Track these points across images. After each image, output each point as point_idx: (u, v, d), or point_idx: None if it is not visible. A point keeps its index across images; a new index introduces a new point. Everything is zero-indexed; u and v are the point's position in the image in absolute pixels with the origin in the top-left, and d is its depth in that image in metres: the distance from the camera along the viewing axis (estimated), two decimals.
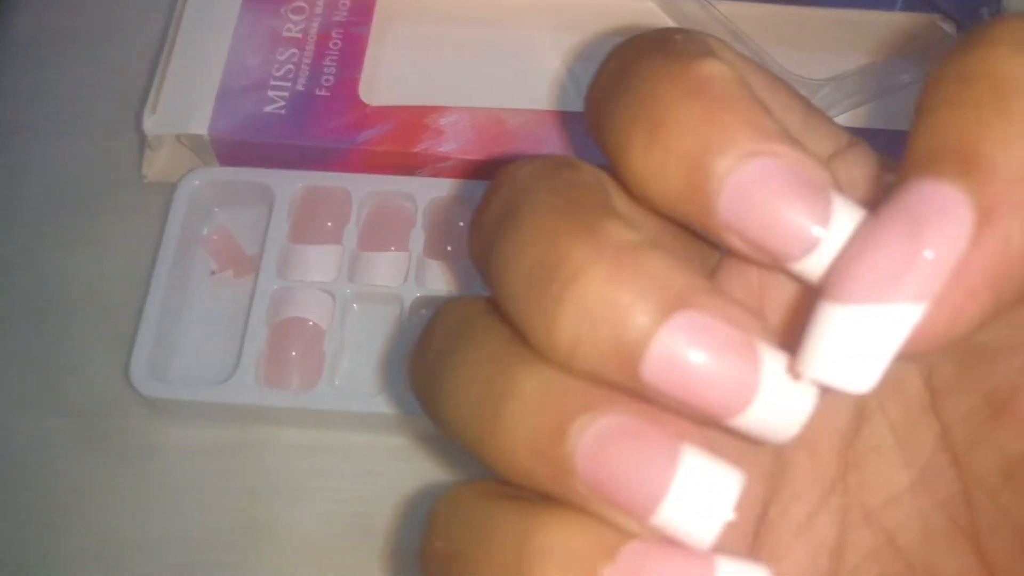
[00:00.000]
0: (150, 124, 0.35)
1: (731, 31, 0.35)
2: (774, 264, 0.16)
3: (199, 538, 0.33)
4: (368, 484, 0.33)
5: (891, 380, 0.17)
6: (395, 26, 0.38)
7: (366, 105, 0.35)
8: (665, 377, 0.16)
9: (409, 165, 0.35)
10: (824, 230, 0.16)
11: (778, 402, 0.16)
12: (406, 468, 0.33)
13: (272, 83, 0.36)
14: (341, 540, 0.32)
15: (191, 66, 0.36)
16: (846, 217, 0.16)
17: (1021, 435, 0.17)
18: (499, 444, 0.17)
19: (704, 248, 0.20)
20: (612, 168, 0.18)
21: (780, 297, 0.19)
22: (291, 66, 0.36)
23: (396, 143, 0.35)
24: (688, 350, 0.15)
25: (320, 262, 0.34)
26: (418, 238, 0.34)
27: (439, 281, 0.34)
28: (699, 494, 0.16)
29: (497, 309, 0.18)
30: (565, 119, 0.35)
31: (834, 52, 0.36)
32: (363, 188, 0.35)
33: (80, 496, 0.33)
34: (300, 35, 0.36)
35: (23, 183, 0.38)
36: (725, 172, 0.16)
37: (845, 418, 0.19)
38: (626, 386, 0.16)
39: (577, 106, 0.35)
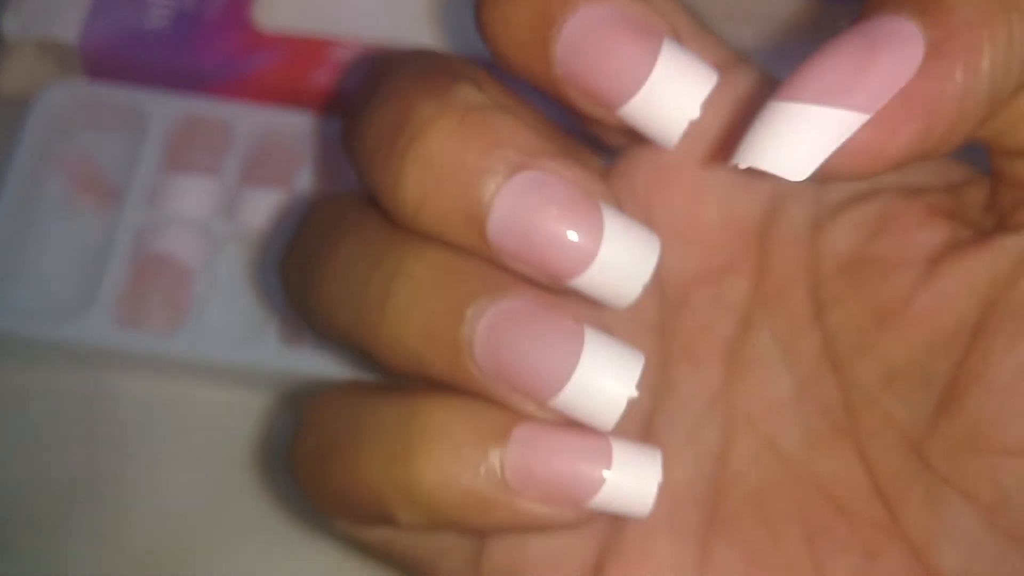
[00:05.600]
0: (11, 24, 0.31)
1: None
2: (607, 115, 0.17)
3: (32, 493, 0.29)
4: (232, 445, 0.30)
5: (773, 293, 0.19)
6: None
7: (258, 30, 0.32)
8: (509, 236, 0.16)
9: (297, 100, 0.32)
10: (645, 78, 0.16)
11: (620, 261, 0.16)
12: (277, 430, 0.30)
13: None
14: (197, 507, 0.29)
15: None
16: (676, 60, 0.16)
17: (903, 344, 0.18)
18: (388, 329, 0.17)
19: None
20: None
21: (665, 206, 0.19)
22: None
23: (289, 74, 0.32)
24: (529, 208, 0.16)
25: (194, 196, 0.31)
26: (305, 178, 0.32)
27: None
28: (604, 374, 0.16)
29: (365, 198, 0.18)
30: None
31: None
32: (248, 120, 0.32)
33: None
34: None
35: None
36: (562, 19, 0.16)
37: (729, 329, 0.19)
38: (473, 248, 0.16)
39: None
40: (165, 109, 0.32)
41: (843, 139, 0.15)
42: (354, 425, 0.17)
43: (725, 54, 0.19)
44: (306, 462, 0.18)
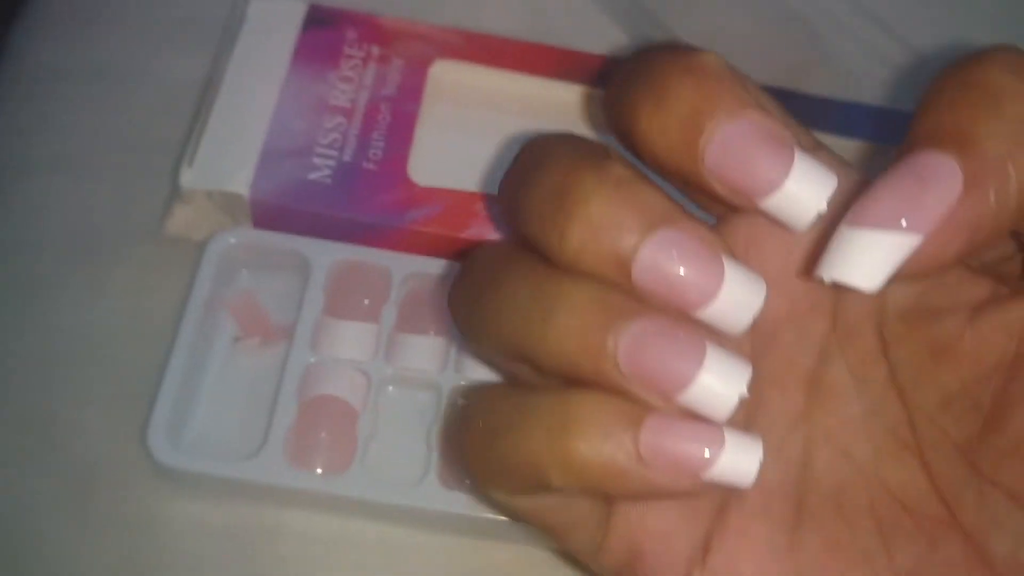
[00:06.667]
0: (187, 177, 0.34)
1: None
2: (748, 204, 0.21)
3: None
4: None
5: (847, 333, 0.23)
6: (444, 108, 0.37)
7: (415, 184, 0.34)
8: (650, 277, 0.21)
9: (453, 250, 0.34)
10: (784, 177, 0.21)
11: (735, 298, 0.21)
12: (438, 569, 0.32)
13: (318, 150, 0.34)
14: None
15: (234, 120, 0.35)
16: (804, 167, 0.21)
17: (955, 375, 0.22)
18: (550, 340, 0.21)
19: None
20: (620, 138, 0.23)
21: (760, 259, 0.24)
22: (338, 135, 0.35)
23: (444, 226, 0.34)
24: (667, 257, 0.21)
25: (355, 340, 0.33)
26: None
27: (478, 369, 0.33)
28: (721, 377, 0.21)
29: (520, 245, 0.23)
30: None
31: None
32: (405, 268, 0.34)
33: (73, 566, 0.31)
34: (348, 104, 0.36)
35: (36, 225, 0.36)
36: (711, 131, 0.21)
37: (810, 362, 0.24)
38: (620, 284, 0.21)
39: None
40: (327, 256, 0.34)
41: (903, 256, 0.20)
42: (519, 409, 0.22)
43: (811, 143, 0.24)
44: (476, 440, 0.23)
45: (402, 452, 0.32)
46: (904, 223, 0.20)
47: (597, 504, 0.24)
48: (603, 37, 0.41)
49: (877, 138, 0.38)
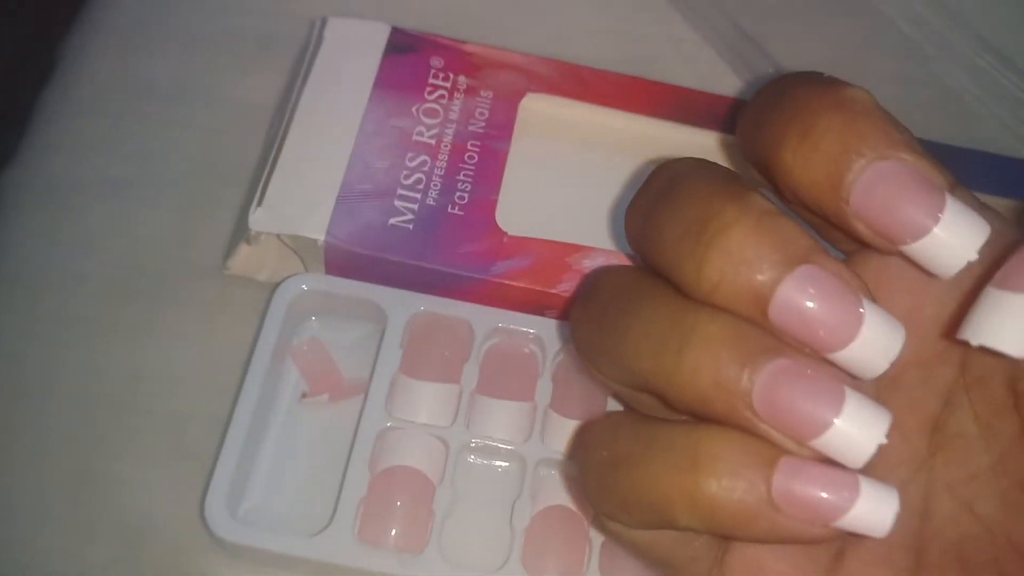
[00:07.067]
0: (256, 218, 0.31)
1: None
2: (891, 248, 0.21)
3: None
4: None
5: (976, 381, 0.22)
6: (537, 145, 0.34)
7: (504, 233, 0.31)
8: (788, 315, 0.20)
9: (541, 305, 0.31)
10: (935, 223, 0.20)
11: (873, 342, 0.20)
12: None
13: (400, 192, 0.32)
14: None
15: (308, 158, 0.32)
16: (956, 213, 0.20)
17: None
18: (683, 374, 0.20)
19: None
20: (758, 170, 0.22)
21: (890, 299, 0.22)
22: (421, 175, 0.32)
23: (534, 280, 0.31)
24: (807, 295, 0.20)
25: (433, 402, 0.30)
26: (545, 389, 0.31)
27: (566, 437, 0.30)
28: (860, 424, 0.20)
29: (650, 271, 0.22)
30: None
31: None
32: (489, 323, 0.31)
33: None
34: (433, 141, 0.33)
35: (86, 257, 0.34)
36: (859, 170, 0.20)
37: (934, 408, 0.23)
38: (756, 321, 0.20)
39: None
40: (405, 308, 0.31)
41: None
42: (645, 441, 0.21)
43: (979, 204, 0.22)
44: (597, 471, 0.22)
45: (482, 531, 0.30)
46: None
47: (713, 543, 0.23)
48: (706, 70, 0.38)
49: None
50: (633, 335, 0.22)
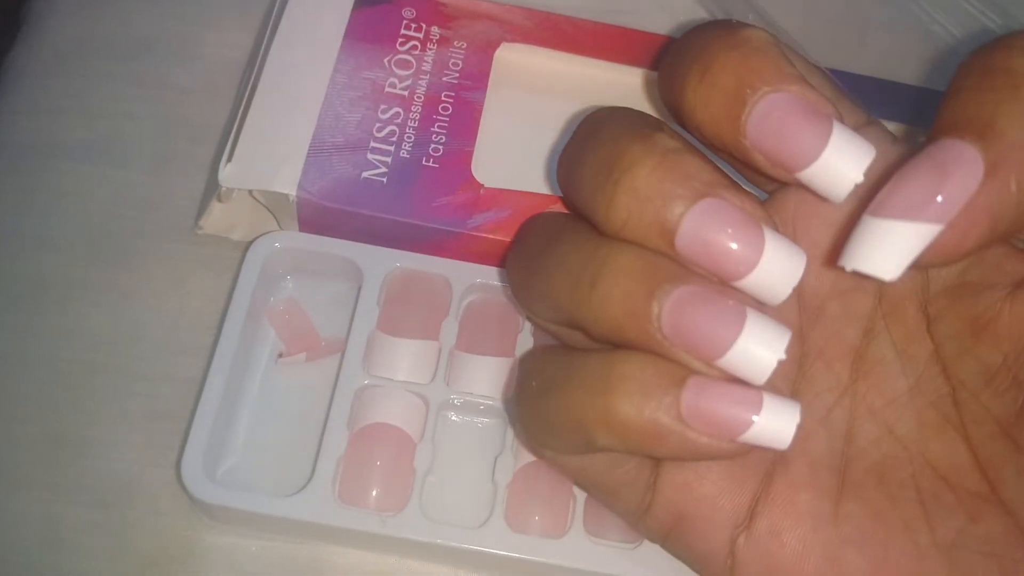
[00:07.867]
0: (226, 174, 0.30)
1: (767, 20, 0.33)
2: (788, 176, 0.22)
3: None
4: None
5: (891, 309, 0.24)
6: (512, 96, 0.34)
7: (480, 185, 0.31)
8: (693, 246, 0.21)
9: None
10: (822, 148, 0.21)
11: (775, 269, 0.21)
12: None
13: (373, 145, 0.31)
14: None
15: (278, 112, 0.31)
16: (841, 138, 0.21)
17: (996, 350, 0.22)
18: (597, 304, 0.21)
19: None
20: (671, 112, 0.23)
21: (808, 234, 0.24)
22: (394, 127, 0.31)
23: (512, 233, 0.30)
24: (710, 226, 0.21)
25: (412, 359, 0.30)
26: (525, 344, 0.30)
27: None
28: (760, 342, 0.21)
29: (575, 215, 0.24)
30: None
31: None
32: (468, 278, 0.30)
33: None
34: (406, 93, 0.32)
35: (59, 218, 0.33)
36: (753, 103, 0.21)
37: (855, 337, 0.24)
38: (663, 252, 0.21)
39: None
40: (382, 264, 0.30)
41: (924, 245, 0.20)
42: (567, 369, 0.22)
43: (862, 117, 0.24)
44: (530, 399, 0.24)
45: (464, 488, 0.29)
46: (923, 213, 0.19)
47: (644, 466, 0.24)
48: (684, 19, 0.37)
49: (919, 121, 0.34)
50: (556, 273, 0.23)
